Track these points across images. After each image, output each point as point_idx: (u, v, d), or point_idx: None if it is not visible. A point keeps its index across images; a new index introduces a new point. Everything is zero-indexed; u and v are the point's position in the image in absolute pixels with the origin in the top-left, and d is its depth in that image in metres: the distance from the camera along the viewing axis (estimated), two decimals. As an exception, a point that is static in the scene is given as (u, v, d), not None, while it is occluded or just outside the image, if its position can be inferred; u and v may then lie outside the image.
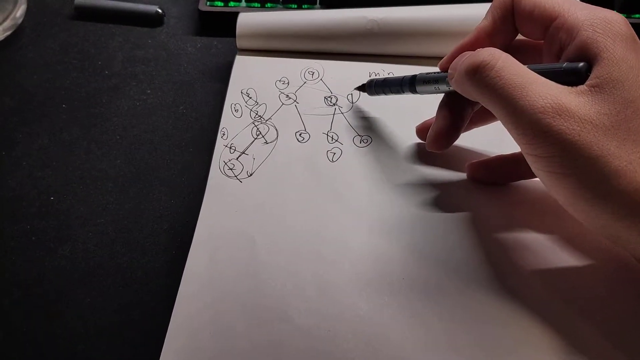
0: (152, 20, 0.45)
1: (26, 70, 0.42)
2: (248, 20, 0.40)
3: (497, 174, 0.33)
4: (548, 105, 0.24)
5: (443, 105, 0.31)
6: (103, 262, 0.32)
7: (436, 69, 0.32)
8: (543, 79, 0.25)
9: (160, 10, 0.45)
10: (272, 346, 0.28)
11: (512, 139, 0.26)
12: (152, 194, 0.35)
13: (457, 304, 0.29)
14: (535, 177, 0.31)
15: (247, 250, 0.31)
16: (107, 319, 0.30)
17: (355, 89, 0.38)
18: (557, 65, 0.25)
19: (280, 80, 0.39)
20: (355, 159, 0.35)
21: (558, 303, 0.28)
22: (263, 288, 0.30)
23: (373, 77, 0.38)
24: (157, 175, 0.36)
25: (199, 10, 0.44)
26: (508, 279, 0.29)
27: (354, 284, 0.30)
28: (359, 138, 0.36)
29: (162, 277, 0.31)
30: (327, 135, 0.36)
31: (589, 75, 0.24)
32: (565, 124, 0.23)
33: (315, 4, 0.45)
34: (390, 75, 0.36)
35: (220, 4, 0.44)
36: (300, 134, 0.36)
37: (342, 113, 0.37)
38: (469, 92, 0.27)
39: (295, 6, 0.44)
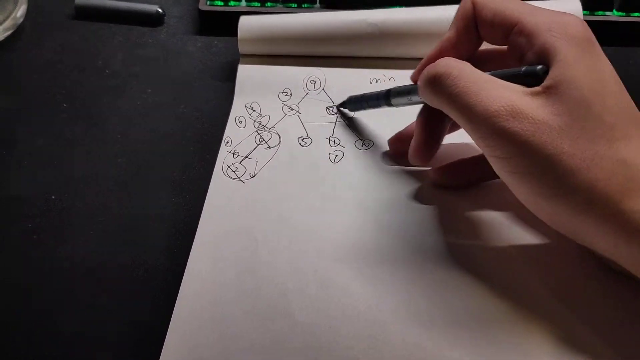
0: (153, 20, 0.45)
1: (27, 70, 0.42)
2: (249, 25, 0.40)
3: (458, 176, 0.33)
4: (502, 108, 0.25)
5: (420, 117, 0.32)
6: (104, 261, 0.32)
7: (408, 84, 0.32)
8: (499, 82, 0.26)
9: (160, 10, 0.45)
10: (274, 344, 0.28)
11: None
12: (153, 193, 0.35)
13: (459, 301, 0.29)
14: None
15: (249, 249, 0.31)
16: (108, 318, 0.30)
17: (337, 106, 0.38)
18: (516, 69, 0.26)
19: (283, 92, 0.39)
20: (356, 160, 0.35)
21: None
22: (264, 286, 0.30)
23: (378, 87, 0.38)
24: (158, 174, 0.36)
25: (199, 9, 0.44)
26: (513, 271, 0.30)
27: (354, 281, 0.30)
28: (361, 142, 0.36)
29: (163, 276, 0.31)
30: (329, 139, 0.37)
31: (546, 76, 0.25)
32: (519, 126, 0.24)
33: (315, 3, 0.45)
34: (371, 91, 0.36)
35: (220, 3, 0.45)
36: (302, 139, 0.37)
37: (343, 121, 0.38)
38: (432, 101, 0.28)
39: (295, 5, 0.44)
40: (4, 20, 0.43)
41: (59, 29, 0.45)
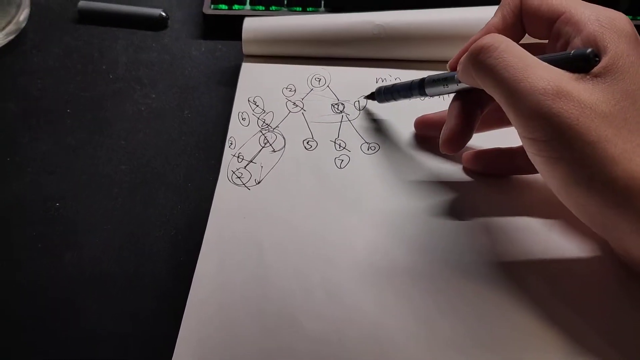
0: (156, 24, 0.45)
1: (30, 75, 0.42)
2: (254, 26, 0.40)
3: (491, 165, 0.33)
4: (549, 87, 0.24)
5: (454, 105, 0.31)
6: (109, 268, 0.32)
7: (444, 72, 0.32)
8: (545, 64, 0.25)
9: (164, 14, 0.45)
10: (281, 351, 0.28)
11: (515, 134, 0.26)
12: (157, 199, 0.35)
13: (466, 306, 0.29)
14: (529, 172, 0.32)
15: (256, 256, 0.31)
16: (114, 326, 0.30)
17: (365, 97, 0.38)
18: (565, 53, 0.26)
19: (287, 88, 0.39)
20: (363, 165, 0.35)
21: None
22: (272, 293, 0.30)
23: (380, 84, 0.38)
24: (162, 180, 0.36)
25: (203, 13, 0.44)
26: (515, 274, 0.30)
27: (362, 287, 0.30)
28: (367, 145, 0.36)
29: (169, 282, 0.31)
30: (335, 142, 0.36)
31: (597, 62, 0.25)
32: (565, 107, 0.24)
33: (320, 6, 0.44)
34: (398, 81, 0.36)
35: (224, 7, 0.44)
36: (307, 142, 0.36)
37: (349, 120, 0.37)
38: (473, 77, 0.27)
39: (300, 9, 0.44)
40: (7, 25, 0.43)
41: (62, 33, 0.44)
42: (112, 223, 0.34)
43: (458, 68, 0.29)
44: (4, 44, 0.43)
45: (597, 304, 0.28)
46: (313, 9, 0.44)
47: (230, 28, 0.42)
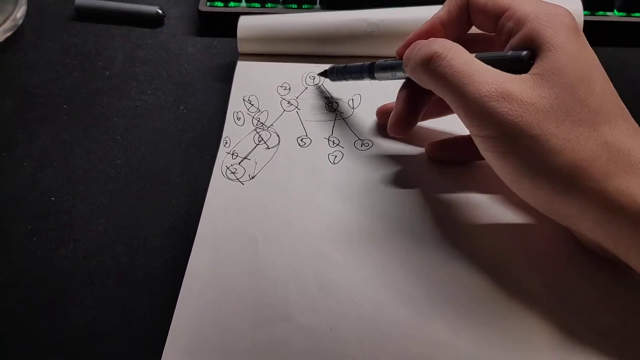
0: (153, 21, 0.45)
1: (27, 71, 0.42)
2: (249, 24, 0.40)
3: (453, 153, 0.35)
4: (493, 90, 0.26)
5: (402, 91, 0.33)
6: (104, 262, 0.32)
7: (393, 60, 0.33)
8: (490, 67, 0.27)
9: (160, 11, 0.45)
10: (274, 345, 0.28)
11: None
12: (153, 194, 0.35)
13: (467, 301, 0.29)
14: None
15: (249, 250, 0.31)
16: (108, 320, 0.30)
17: (318, 74, 0.39)
18: (502, 53, 0.28)
19: (281, 86, 0.39)
20: (356, 161, 0.35)
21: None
22: (265, 287, 0.30)
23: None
24: (157, 175, 0.36)
25: (199, 10, 0.44)
26: (518, 273, 0.30)
27: (355, 281, 0.30)
28: (360, 142, 0.36)
29: (164, 276, 0.31)
30: (329, 140, 0.37)
31: (532, 64, 0.27)
32: (508, 107, 0.25)
33: (315, 4, 0.45)
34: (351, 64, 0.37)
35: (220, 4, 0.45)
36: (301, 139, 0.37)
37: (343, 119, 0.38)
38: (423, 80, 0.29)
39: (295, 6, 0.44)
40: (4, 22, 0.43)
41: (59, 30, 0.45)
42: (107, 217, 0.34)
43: (405, 65, 0.30)
44: (1, 40, 0.43)
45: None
46: (308, 6, 0.45)
47: (226, 25, 0.43)
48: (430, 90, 0.30)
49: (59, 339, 0.29)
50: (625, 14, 0.44)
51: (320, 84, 0.40)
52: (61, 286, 0.31)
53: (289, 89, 0.39)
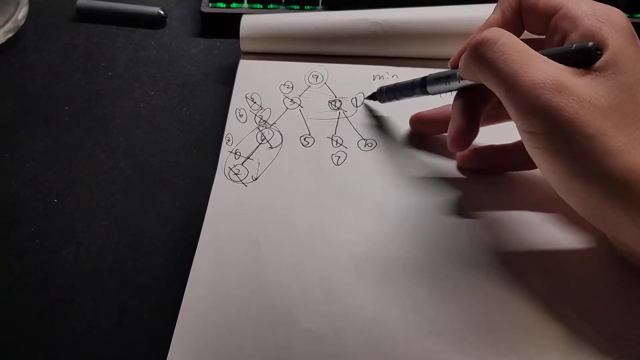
0: (155, 22, 0.45)
1: (28, 73, 0.42)
2: (251, 23, 0.40)
3: (485, 163, 0.34)
4: (548, 81, 0.24)
5: (457, 103, 0.31)
6: (107, 264, 0.32)
7: (445, 70, 0.32)
8: (545, 57, 0.26)
9: (162, 12, 0.45)
10: (278, 349, 0.28)
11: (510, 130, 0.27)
12: (155, 196, 0.35)
13: (465, 301, 0.29)
14: (523, 169, 0.32)
15: (253, 253, 0.31)
16: (111, 322, 0.30)
17: (366, 98, 0.38)
18: (566, 47, 0.26)
19: (284, 85, 0.39)
20: (359, 162, 0.35)
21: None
22: (269, 290, 0.30)
23: (378, 82, 0.38)
24: (160, 177, 0.36)
25: (201, 11, 0.44)
26: (513, 268, 0.30)
27: (359, 285, 0.30)
28: (364, 142, 0.36)
29: (166, 279, 0.31)
30: (332, 139, 0.36)
31: (598, 57, 0.25)
32: (564, 101, 0.24)
33: (318, 4, 0.44)
34: (397, 80, 0.36)
35: (222, 5, 0.44)
36: (304, 139, 0.36)
37: (346, 117, 0.37)
38: (473, 72, 0.28)
39: (297, 7, 0.44)
40: (6, 23, 0.43)
41: (61, 31, 0.45)
42: (110, 219, 0.34)
43: (460, 64, 0.29)
44: (2, 41, 0.43)
45: (594, 299, 0.28)
46: (311, 7, 0.44)
47: (228, 26, 0.43)
48: (487, 99, 0.29)
49: (60, 341, 0.29)
50: (629, 14, 0.44)
51: (323, 82, 0.39)
52: (64, 288, 0.31)
53: (292, 87, 0.39)
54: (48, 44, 0.44)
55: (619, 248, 0.29)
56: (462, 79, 0.30)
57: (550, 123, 0.24)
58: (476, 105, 0.31)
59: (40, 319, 0.30)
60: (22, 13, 0.44)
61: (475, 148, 0.34)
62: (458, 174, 0.34)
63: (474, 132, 0.30)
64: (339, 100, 0.38)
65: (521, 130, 0.26)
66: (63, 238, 0.33)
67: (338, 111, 0.38)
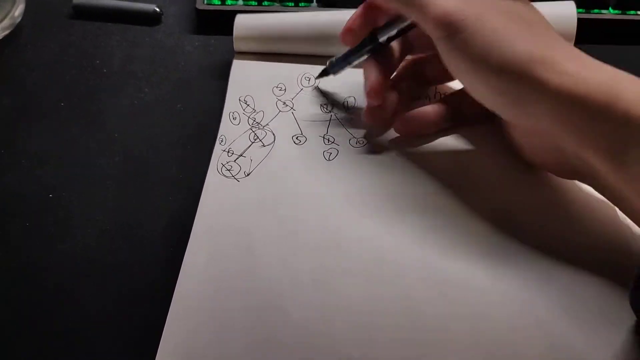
0: (150, 19, 0.46)
1: (25, 69, 0.42)
2: (245, 22, 0.41)
3: (419, 124, 0.36)
4: None
5: (369, 61, 0.35)
6: (102, 258, 0.32)
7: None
8: None
9: (158, 9, 0.45)
10: (269, 341, 0.28)
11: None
12: (150, 190, 0.35)
13: (456, 293, 0.29)
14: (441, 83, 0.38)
15: (244, 246, 0.31)
16: (105, 315, 0.30)
17: (317, 77, 0.39)
18: None
19: (277, 87, 0.39)
20: (351, 158, 0.36)
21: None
22: (260, 284, 0.30)
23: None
24: (155, 172, 0.36)
25: (196, 8, 0.44)
26: (506, 260, 0.31)
27: (350, 277, 0.30)
28: (355, 140, 0.37)
29: (160, 272, 0.32)
30: (324, 138, 0.37)
31: None
32: (471, 5, 0.29)
33: (312, 2, 0.45)
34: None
35: (217, 2, 0.45)
36: (297, 137, 0.37)
37: (338, 119, 0.38)
38: (393, 6, 0.33)
39: (292, 4, 0.45)
40: (2, 20, 0.43)
41: (57, 28, 0.45)
42: (105, 214, 0.34)
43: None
44: (-1, 38, 0.43)
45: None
46: (305, 4, 0.45)
47: (223, 23, 0.43)
48: (398, 53, 0.36)
49: (55, 334, 0.29)
50: (620, 11, 0.45)
51: (316, 84, 0.40)
52: (59, 281, 0.31)
53: (285, 89, 0.39)
54: (44, 41, 0.44)
55: (516, 140, 0.33)
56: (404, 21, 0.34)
57: (463, 23, 0.29)
58: (387, 59, 0.36)
59: (35, 312, 0.30)
60: (18, 10, 0.44)
61: (406, 114, 0.36)
62: (447, 169, 0.35)
63: (386, 84, 0.35)
64: (331, 104, 0.39)
65: (437, 38, 0.30)
66: (58, 232, 0.33)
67: (330, 114, 0.38)
